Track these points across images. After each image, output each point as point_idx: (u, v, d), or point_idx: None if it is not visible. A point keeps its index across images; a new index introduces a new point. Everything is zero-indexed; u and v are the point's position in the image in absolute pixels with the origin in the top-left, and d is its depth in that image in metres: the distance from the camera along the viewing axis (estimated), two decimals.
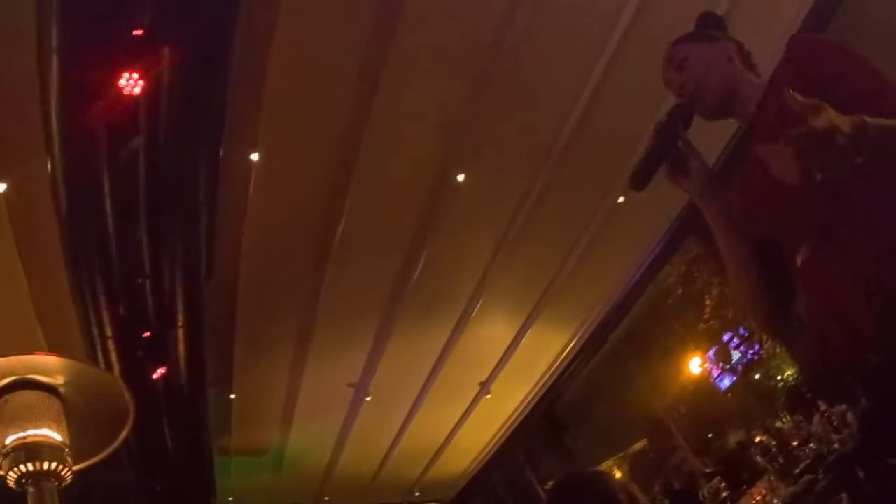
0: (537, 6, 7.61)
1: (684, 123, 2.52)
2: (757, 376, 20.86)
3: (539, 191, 9.90)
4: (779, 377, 17.71)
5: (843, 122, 1.81)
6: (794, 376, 13.46)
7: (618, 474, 16.19)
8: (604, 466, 16.39)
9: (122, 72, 5.93)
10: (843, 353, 1.99)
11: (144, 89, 6.00)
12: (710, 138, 8.64)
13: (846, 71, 2.22)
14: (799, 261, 2.26)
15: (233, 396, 12.06)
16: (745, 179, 2.50)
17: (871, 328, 1.91)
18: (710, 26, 2.77)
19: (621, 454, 16.92)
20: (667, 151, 2.47)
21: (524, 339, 13.38)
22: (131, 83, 5.92)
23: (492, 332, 13.02)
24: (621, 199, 10.30)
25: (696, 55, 2.61)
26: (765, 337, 18.04)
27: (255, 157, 8.02)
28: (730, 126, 3.09)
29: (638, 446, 15.93)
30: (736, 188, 2.56)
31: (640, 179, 2.46)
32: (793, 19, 8.57)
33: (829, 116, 1.81)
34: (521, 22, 7.73)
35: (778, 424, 14.40)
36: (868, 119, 1.84)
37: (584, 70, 8.59)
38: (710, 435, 18.13)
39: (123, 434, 2.76)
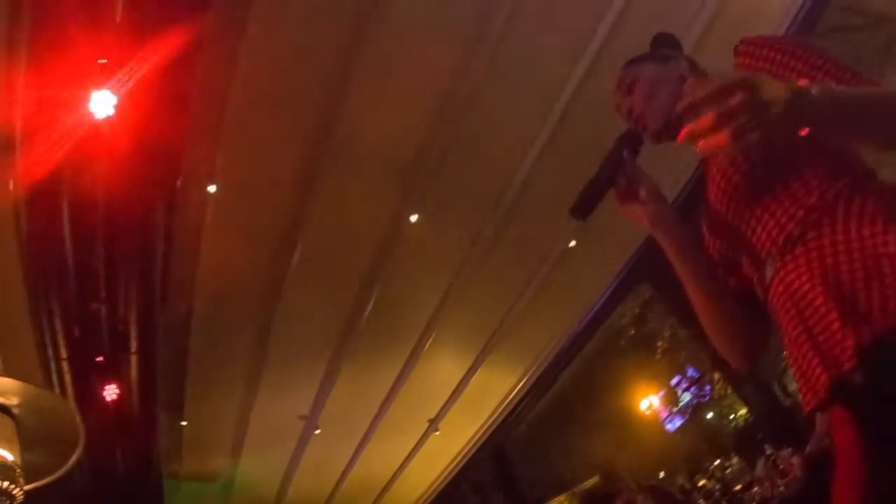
0: (495, 53, 7.78)
1: (632, 149, 2.34)
2: (709, 416, 21.11)
3: (491, 233, 10.01)
4: (731, 416, 17.96)
5: (776, 88, 1.60)
6: (746, 417, 13.55)
7: None
8: (554, 503, 16.53)
9: (86, 95, 6.04)
10: (823, 378, 1.77)
11: (110, 113, 6.11)
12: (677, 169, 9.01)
13: (789, 64, 2.04)
14: (766, 282, 2.06)
15: (184, 423, 12.08)
16: (704, 202, 2.32)
17: (849, 336, 1.69)
18: (664, 46, 2.61)
19: (571, 491, 17.00)
20: (611, 178, 2.30)
21: (473, 378, 13.48)
22: (98, 107, 6.03)
23: (441, 370, 13.10)
24: (573, 244, 10.48)
25: (645, 77, 2.48)
26: (716, 377, 18.29)
27: (212, 189, 8.09)
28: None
29: (589, 483, 15.94)
30: (699, 215, 2.38)
31: (581, 208, 2.27)
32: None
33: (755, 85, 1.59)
34: (479, 68, 7.90)
35: (727, 465, 14.59)
36: (814, 89, 1.65)
37: (540, 116, 8.78)
38: (660, 474, 18.31)
39: (75, 457, 2.79)
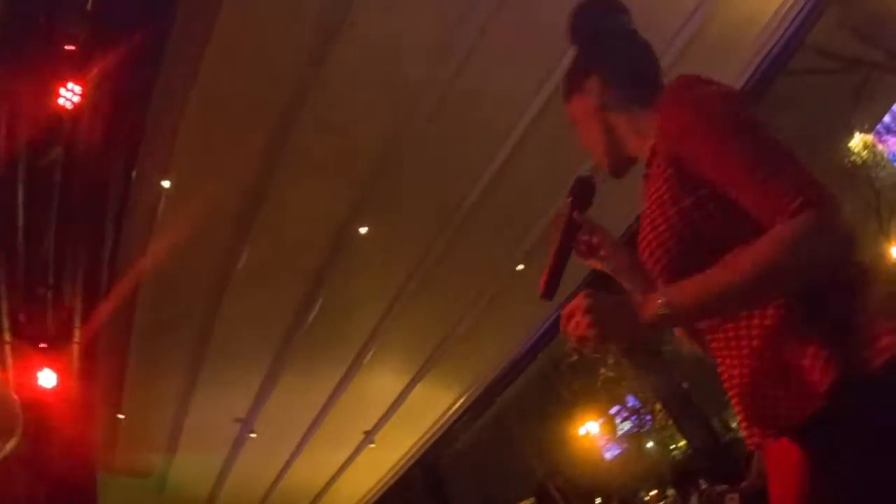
0: (455, 75, 7.96)
1: (584, 203, 2.22)
2: (649, 445, 21.40)
3: (440, 250, 10.15)
4: (672, 447, 18.19)
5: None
6: (685, 449, 13.68)
7: None
8: None
9: (52, 84, 6.12)
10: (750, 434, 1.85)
11: (74, 103, 6.18)
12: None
13: (692, 129, 1.92)
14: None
15: (121, 416, 12.05)
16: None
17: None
18: (578, 38, 2.37)
19: None
20: (569, 248, 2.17)
21: (412, 393, 13.56)
22: (66, 95, 6.11)
23: (381, 383, 13.19)
24: (521, 267, 10.60)
25: (577, 116, 2.34)
26: (657, 408, 18.52)
27: (166, 184, 8.19)
28: None
29: None
30: None
31: (549, 291, 2.10)
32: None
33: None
34: (438, 89, 8.10)
35: (663, 497, 14.76)
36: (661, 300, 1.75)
37: (495, 142, 8.96)
38: (597, 501, 18.50)
39: (12, 443, 2.86)
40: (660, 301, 1.75)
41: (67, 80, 6.14)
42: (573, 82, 2.30)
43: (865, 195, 21.32)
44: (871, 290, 1.92)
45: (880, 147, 21.02)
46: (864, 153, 21.11)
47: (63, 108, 6.24)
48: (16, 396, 3.02)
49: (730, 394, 1.93)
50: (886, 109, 20.64)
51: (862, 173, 20.79)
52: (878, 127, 20.82)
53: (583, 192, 2.20)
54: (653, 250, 1.98)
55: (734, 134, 1.86)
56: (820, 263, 1.75)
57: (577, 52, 2.34)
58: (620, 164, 2.24)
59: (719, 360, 1.98)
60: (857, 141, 20.90)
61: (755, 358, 1.86)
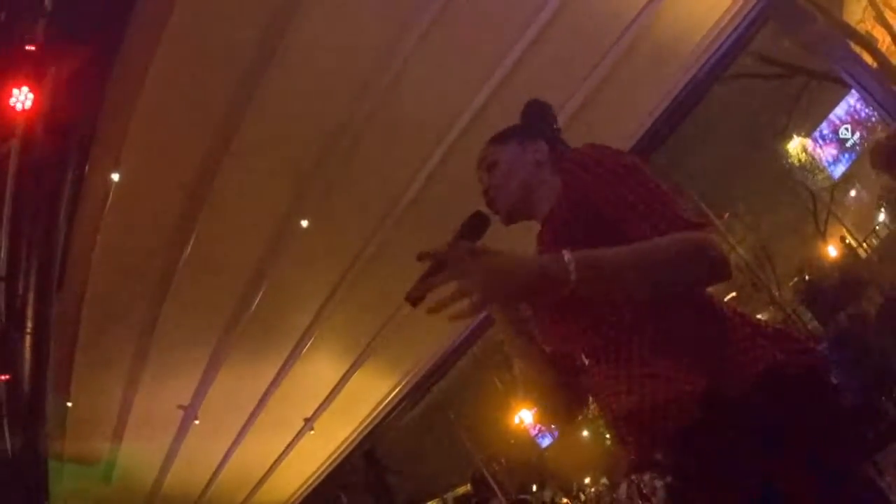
0: (398, 74, 8.34)
1: (470, 236, 2.25)
2: (584, 433, 21.71)
3: (378, 243, 10.51)
4: (608, 435, 18.62)
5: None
6: None
7: None
8: None
9: (7, 83, 6.38)
10: (632, 454, 2.08)
11: (30, 101, 6.45)
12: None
13: (595, 194, 2.18)
14: (585, 372, 2.30)
15: (69, 404, 12.26)
16: None
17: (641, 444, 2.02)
18: (533, 118, 2.69)
19: (442, 497, 17.47)
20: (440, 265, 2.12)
21: (350, 381, 13.85)
22: (21, 97, 6.39)
23: (320, 371, 13.51)
24: None
25: (504, 160, 2.54)
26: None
27: (115, 177, 8.37)
28: None
29: (461, 490, 16.23)
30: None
31: (416, 297, 2.15)
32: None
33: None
34: (380, 88, 8.47)
35: (596, 485, 15.18)
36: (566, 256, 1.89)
37: (433, 138, 9.36)
38: (533, 487, 18.76)
39: None
40: (567, 257, 1.90)
41: (24, 80, 6.39)
42: (517, 135, 2.61)
43: (802, 196, 21.92)
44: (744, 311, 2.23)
45: (817, 152, 21.60)
46: (803, 156, 21.71)
47: (16, 107, 6.47)
48: None
49: (610, 418, 2.19)
50: (824, 116, 21.16)
51: (799, 175, 21.38)
52: (815, 134, 21.39)
53: (474, 225, 2.29)
54: None
55: (634, 182, 2.16)
56: (704, 268, 2.04)
57: (525, 123, 2.69)
58: (517, 214, 2.54)
59: (597, 391, 2.25)
60: (796, 144, 21.49)
61: (638, 381, 2.10)
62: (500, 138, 2.62)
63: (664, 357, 2.08)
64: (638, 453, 2.13)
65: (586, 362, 2.28)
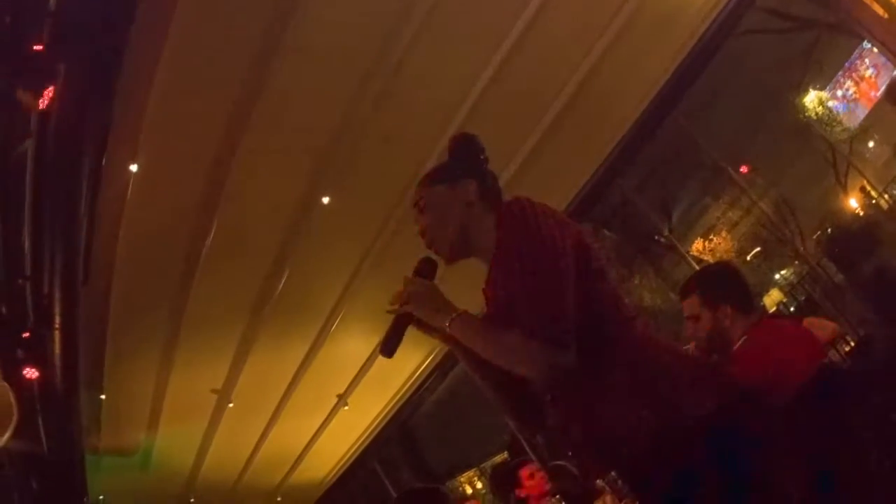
0: (412, 44, 8.24)
1: (428, 276, 2.60)
2: None
3: (401, 216, 10.34)
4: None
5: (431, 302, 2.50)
6: None
7: (478, 485, 16.81)
8: (463, 478, 16.97)
9: (21, 84, 6.32)
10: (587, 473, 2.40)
11: (44, 101, 6.34)
12: None
13: (509, 248, 2.42)
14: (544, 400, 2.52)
15: (103, 397, 12.29)
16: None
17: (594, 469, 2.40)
18: (460, 153, 2.77)
19: (479, 467, 17.43)
20: (406, 318, 2.56)
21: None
22: (34, 97, 6.31)
23: (350, 346, 13.42)
24: None
25: (433, 201, 2.65)
26: None
27: (134, 168, 8.32)
28: None
29: (498, 459, 16.18)
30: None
31: (388, 350, 2.63)
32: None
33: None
34: (395, 59, 8.38)
35: None
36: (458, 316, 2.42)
37: (450, 109, 9.28)
38: (569, 453, 18.79)
39: (8, 434, 3.05)
40: (454, 315, 2.42)
41: (36, 79, 6.30)
42: (446, 176, 2.71)
43: (821, 149, 21.75)
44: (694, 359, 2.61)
45: (833, 103, 21.44)
46: (819, 109, 21.55)
47: (30, 106, 6.42)
48: (9, 388, 3.25)
49: (569, 445, 2.57)
50: (838, 68, 20.98)
51: (817, 129, 21.21)
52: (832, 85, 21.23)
53: (423, 270, 2.63)
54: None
55: (533, 268, 2.33)
56: (535, 375, 2.37)
57: (453, 160, 2.78)
58: (457, 255, 2.68)
59: (559, 421, 2.49)
60: (812, 98, 21.33)
61: (598, 412, 2.34)
62: (429, 180, 2.72)
63: (616, 395, 2.32)
64: (595, 474, 2.49)
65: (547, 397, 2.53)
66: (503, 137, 9.58)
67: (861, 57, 20.30)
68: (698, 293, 3.92)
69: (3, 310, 8.64)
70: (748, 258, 22.28)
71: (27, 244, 8.03)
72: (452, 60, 8.68)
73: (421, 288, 2.51)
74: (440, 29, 8.19)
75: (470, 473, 17.50)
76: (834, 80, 20.99)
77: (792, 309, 14.28)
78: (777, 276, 21.76)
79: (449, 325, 2.41)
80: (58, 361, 9.63)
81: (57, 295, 8.71)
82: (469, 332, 2.41)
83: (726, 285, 3.98)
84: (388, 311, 2.56)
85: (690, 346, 3.93)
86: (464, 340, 2.43)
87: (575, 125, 9.95)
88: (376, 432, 17.00)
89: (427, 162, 9.42)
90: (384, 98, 8.75)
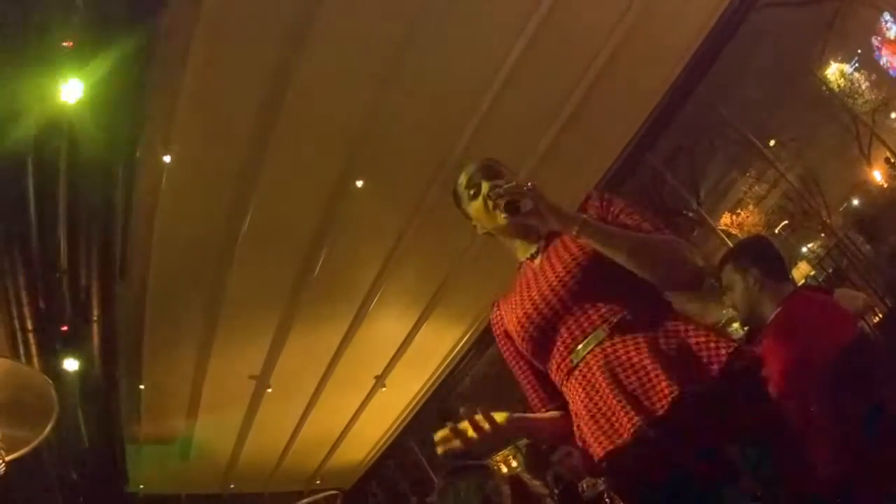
0: (440, 25, 8.17)
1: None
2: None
3: (434, 195, 10.29)
4: None
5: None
6: None
7: (513, 463, 16.76)
8: (499, 456, 16.92)
9: (53, 81, 6.24)
10: (633, 419, 2.22)
11: (75, 98, 6.31)
12: None
13: (609, 209, 2.63)
14: (574, 361, 2.48)
15: (142, 387, 12.35)
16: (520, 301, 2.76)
17: (667, 389, 2.19)
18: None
19: (515, 445, 17.37)
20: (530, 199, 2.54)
21: (418, 335, 13.83)
22: (65, 91, 6.27)
23: (387, 328, 13.44)
24: None
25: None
26: None
27: (167, 159, 8.28)
28: None
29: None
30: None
31: (513, 209, 2.55)
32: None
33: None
34: (425, 41, 8.29)
35: None
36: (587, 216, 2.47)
37: (480, 88, 9.21)
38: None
39: (50, 426, 2.92)
40: (583, 217, 2.45)
41: (68, 76, 6.25)
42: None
43: (844, 121, 21.60)
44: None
45: (857, 75, 21.30)
46: (841, 81, 21.40)
47: (65, 103, 6.35)
48: (50, 382, 3.15)
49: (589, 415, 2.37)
50: (859, 41, 20.91)
51: (839, 101, 21.06)
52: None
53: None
54: (565, 283, 2.52)
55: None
56: (683, 269, 2.43)
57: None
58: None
59: (578, 386, 2.45)
60: (834, 70, 21.18)
61: (619, 377, 2.33)
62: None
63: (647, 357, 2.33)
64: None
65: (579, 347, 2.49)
66: (531, 119, 9.59)
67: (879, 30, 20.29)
68: (731, 260, 3.98)
69: (42, 304, 8.53)
70: (776, 231, 22.20)
71: (63, 238, 7.98)
72: (484, 35, 8.59)
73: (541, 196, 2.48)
74: (469, 8, 8.11)
75: (506, 452, 17.40)
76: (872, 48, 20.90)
77: (821, 280, 14.18)
78: (804, 250, 21.70)
79: (579, 228, 2.41)
80: (97, 353, 9.73)
81: (94, 288, 8.77)
82: (601, 231, 2.44)
83: (755, 250, 4.06)
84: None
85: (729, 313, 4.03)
86: (596, 238, 2.41)
87: (604, 98, 9.82)
88: (415, 412, 16.95)
89: (458, 143, 9.45)
90: (415, 79, 8.65)
